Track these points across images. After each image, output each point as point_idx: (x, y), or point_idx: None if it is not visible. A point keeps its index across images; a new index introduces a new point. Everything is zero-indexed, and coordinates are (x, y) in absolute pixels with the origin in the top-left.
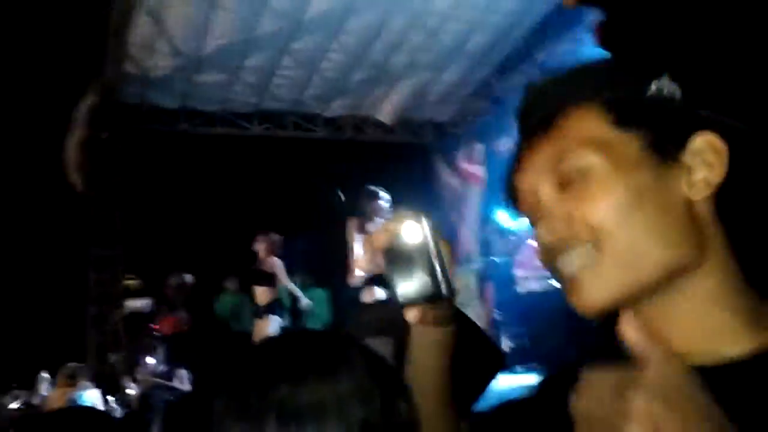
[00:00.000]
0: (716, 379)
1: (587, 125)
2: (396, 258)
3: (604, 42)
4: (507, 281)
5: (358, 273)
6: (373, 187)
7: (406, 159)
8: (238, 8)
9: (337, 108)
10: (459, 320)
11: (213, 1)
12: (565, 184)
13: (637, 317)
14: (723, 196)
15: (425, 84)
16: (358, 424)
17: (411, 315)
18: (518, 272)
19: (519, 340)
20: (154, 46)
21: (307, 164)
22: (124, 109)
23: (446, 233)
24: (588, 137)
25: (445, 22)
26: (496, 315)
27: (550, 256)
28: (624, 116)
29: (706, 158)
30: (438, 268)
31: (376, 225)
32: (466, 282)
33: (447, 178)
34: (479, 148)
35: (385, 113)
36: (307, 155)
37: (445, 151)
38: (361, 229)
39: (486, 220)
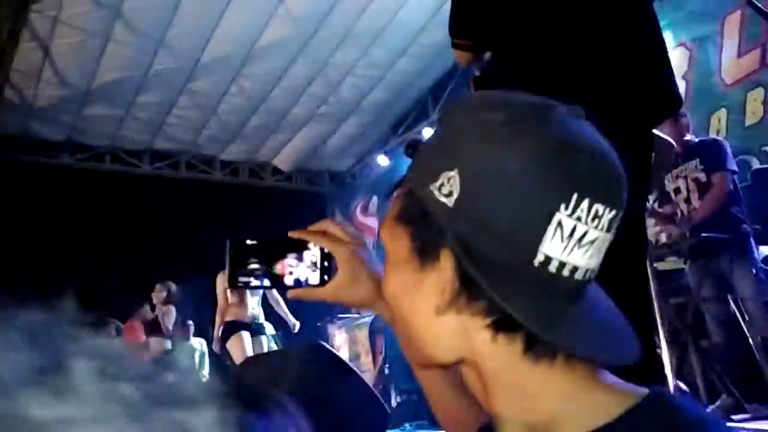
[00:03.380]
0: None
1: (392, 209)
2: None
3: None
4: (395, 337)
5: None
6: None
7: (302, 206)
8: (133, 42)
9: (234, 152)
10: (345, 377)
11: (107, 33)
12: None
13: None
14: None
15: (324, 134)
16: None
17: None
18: None
19: (407, 395)
20: (39, 74)
21: (200, 207)
22: (3, 139)
23: None
24: (387, 222)
25: (346, 75)
26: (386, 370)
27: None
28: (405, 210)
29: (445, 267)
30: None
31: None
32: (356, 335)
33: None
34: (374, 200)
35: (283, 160)
36: (200, 198)
37: (341, 201)
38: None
39: None
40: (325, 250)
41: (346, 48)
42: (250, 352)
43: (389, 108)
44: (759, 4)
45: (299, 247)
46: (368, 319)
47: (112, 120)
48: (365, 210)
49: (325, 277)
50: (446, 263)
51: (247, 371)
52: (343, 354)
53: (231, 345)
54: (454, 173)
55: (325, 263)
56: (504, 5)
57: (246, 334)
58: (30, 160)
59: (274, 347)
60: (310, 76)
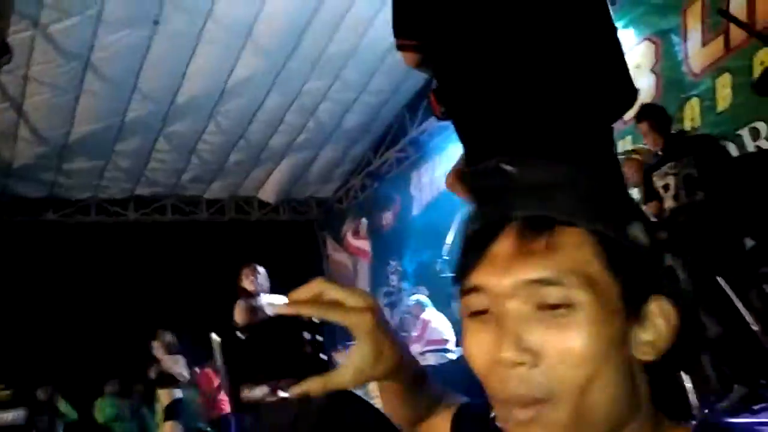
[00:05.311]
0: None
1: (582, 255)
2: None
3: (437, 111)
4: None
5: None
6: (250, 264)
7: (291, 237)
8: (105, 92)
9: (217, 190)
10: (351, 403)
11: (77, 87)
12: (544, 307)
13: None
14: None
15: (305, 162)
16: None
17: None
18: (414, 348)
19: None
20: (15, 134)
21: (189, 248)
22: None
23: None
24: (582, 270)
25: (321, 101)
26: None
27: (495, 365)
28: (613, 258)
29: (657, 323)
30: None
31: (258, 302)
32: None
33: (334, 254)
34: (364, 222)
35: (268, 193)
36: (188, 239)
37: (330, 228)
38: (249, 307)
39: (375, 296)
40: (317, 337)
41: (318, 74)
42: None
43: (368, 129)
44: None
45: (294, 337)
46: None
47: (92, 171)
48: (356, 233)
49: (322, 356)
50: (658, 310)
51: (270, 414)
52: None
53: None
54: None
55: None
56: (447, 2)
57: None
58: (13, 219)
59: None
60: (286, 106)
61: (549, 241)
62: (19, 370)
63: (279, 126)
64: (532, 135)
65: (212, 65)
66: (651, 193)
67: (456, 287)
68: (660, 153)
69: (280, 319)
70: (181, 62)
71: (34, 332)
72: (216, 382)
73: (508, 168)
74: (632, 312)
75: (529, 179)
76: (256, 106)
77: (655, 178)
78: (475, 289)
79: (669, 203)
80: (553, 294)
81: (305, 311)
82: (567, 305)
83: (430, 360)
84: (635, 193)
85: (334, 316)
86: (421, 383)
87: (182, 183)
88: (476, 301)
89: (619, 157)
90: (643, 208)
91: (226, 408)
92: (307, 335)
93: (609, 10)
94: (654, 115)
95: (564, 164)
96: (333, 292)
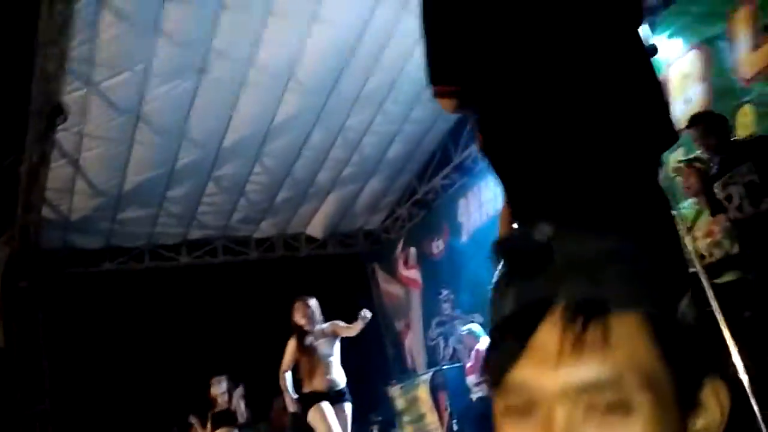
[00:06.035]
0: None
1: (638, 347)
2: None
3: (484, 148)
4: (460, 389)
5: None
6: (300, 298)
7: (341, 271)
8: (156, 141)
9: (266, 228)
10: None
11: (130, 137)
12: (596, 409)
13: None
14: None
15: (351, 195)
16: None
17: None
18: (470, 379)
19: None
20: (72, 188)
21: (241, 288)
22: (45, 254)
23: (391, 343)
24: (640, 366)
25: (363, 135)
26: (454, 425)
27: None
28: (668, 345)
29: (711, 406)
30: None
31: (309, 339)
32: (418, 395)
33: (386, 285)
34: (413, 252)
35: (316, 228)
36: (240, 279)
37: (378, 258)
38: (300, 344)
39: (427, 326)
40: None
41: (360, 109)
42: (333, 422)
43: (412, 158)
44: None
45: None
46: (427, 377)
47: (146, 219)
48: (406, 263)
49: None
50: (711, 393)
51: None
52: (408, 416)
53: (312, 418)
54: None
55: None
56: (483, 47)
57: (326, 405)
58: (73, 270)
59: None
60: (330, 141)
61: (603, 331)
62: (81, 418)
63: (324, 162)
64: (574, 188)
65: (257, 107)
66: (716, 206)
67: (487, 376)
68: (717, 162)
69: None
70: (226, 107)
71: (94, 382)
72: (284, 417)
73: (550, 236)
74: (688, 403)
75: (577, 253)
76: (301, 144)
77: (716, 190)
78: (517, 387)
79: (734, 214)
80: (608, 396)
81: None
82: (623, 408)
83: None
84: (694, 203)
85: None
86: None
87: (231, 224)
88: (517, 399)
89: (680, 164)
90: (711, 221)
91: None
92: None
93: (645, 50)
94: (705, 119)
95: (613, 233)
96: None
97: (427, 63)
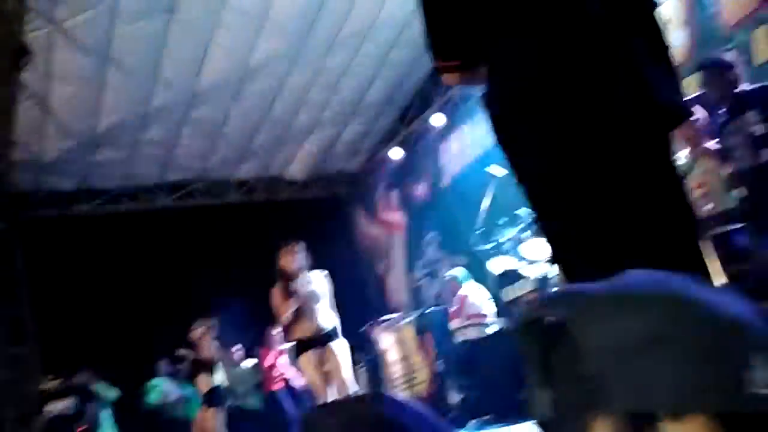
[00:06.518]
0: None
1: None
2: None
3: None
4: (444, 332)
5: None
6: (287, 243)
7: (322, 214)
8: (127, 83)
9: (246, 171)
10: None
11: (100, 78)
12: None
13: None
14: None
15: (331, 138)
16: None
17: None
18: (453, 323)
19: (467, 391)
20: (43, 129)
21: (220, 231)
22: (20, 197)
23: (373, 285)
24: None
25: (342, 77)
26: (439, 367)
27: None
28: None
29: None
30: None
31: (295, 284)
32: (403, 336)
33: (367, 228)
34: (395, 194)
35: (296, 171)
36: (219, 222)
37: (360, 201)
38: (286, 291)
39: (411, 268)
40: None
41: (337, 50)
42: (320, 368)
43: (392, 100)
44: None
45: None
46: (413, 318)
47: (121, 161)
48: (387, 206)
49: None
50: None
51: (322, 417)
52: (392, 356)
53: (302, 366)
54: None
55: None
56: (486, 14)
57: (311, 354)
58: (47, 213)
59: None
60: (308, 83)
61: None
62: (65, 360)
63: (303, 104)
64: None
65: (232, 48)
66: (715, 156)
67: None
68: (725, 110)
69: None
70: (200, 47)
71: (76, 322)
72: (269, 360)
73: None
74: None
75: (605, 335)
76: (279, 85)
77: (718, 139)
78: None
79: (737, 164)
80: None
81: None
82: None
83: (470, 334)
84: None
85: None
86: None
87: (210, 166)
88: None
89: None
90: (705, 171)
91: (278, 385)
92: None
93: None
94: (715, 65)
95: (644, 302)
96: None
97: (428, 37)
